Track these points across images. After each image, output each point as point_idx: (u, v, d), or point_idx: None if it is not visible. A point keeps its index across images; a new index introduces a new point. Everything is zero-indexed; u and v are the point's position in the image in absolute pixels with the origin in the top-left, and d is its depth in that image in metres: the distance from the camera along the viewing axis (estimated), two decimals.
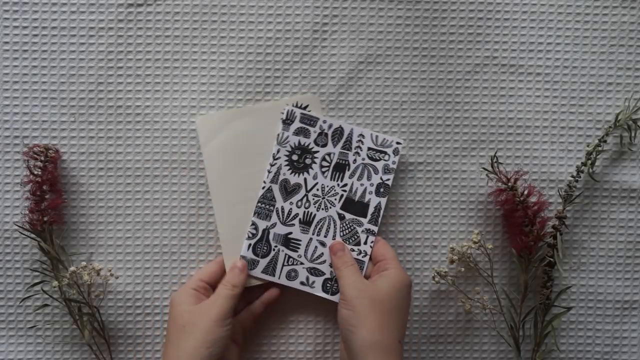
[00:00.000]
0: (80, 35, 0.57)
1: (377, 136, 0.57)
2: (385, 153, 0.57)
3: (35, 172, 0.54)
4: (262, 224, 0.56)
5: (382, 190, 0.56)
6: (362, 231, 0.56)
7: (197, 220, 0.58)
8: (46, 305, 0.57)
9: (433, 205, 0.58)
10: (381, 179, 0.56)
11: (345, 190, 0.56)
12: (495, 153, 0.58)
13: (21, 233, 0.56)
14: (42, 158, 0.54)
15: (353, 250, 0.56)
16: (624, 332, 0.59)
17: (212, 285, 0.54)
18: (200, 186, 0.58)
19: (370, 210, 0.56)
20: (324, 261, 0.56)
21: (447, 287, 0.58)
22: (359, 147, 0.56)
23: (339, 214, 0.56)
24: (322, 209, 0.56)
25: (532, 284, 0.57)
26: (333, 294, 0.56)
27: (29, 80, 0.57)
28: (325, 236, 0.56)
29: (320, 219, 0.56)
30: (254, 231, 0.56)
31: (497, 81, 0.58)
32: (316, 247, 0.56)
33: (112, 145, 0.57)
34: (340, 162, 0.56)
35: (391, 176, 0.57)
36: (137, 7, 0.57)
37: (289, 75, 0.58)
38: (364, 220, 0.56)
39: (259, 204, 0.56)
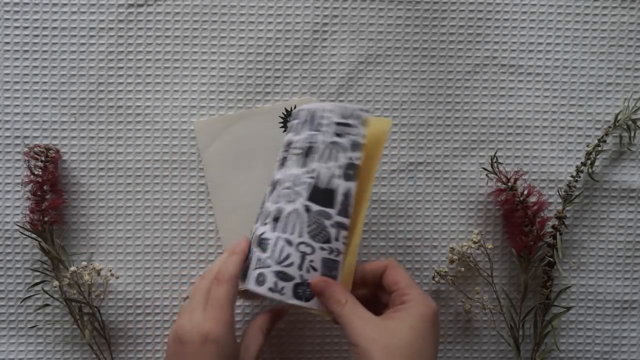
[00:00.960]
0: (81, 36, 0.57)
1: (343, 107, 0.49)
2: (351, 126, 0.48)
3: (36, 172, 0.54)
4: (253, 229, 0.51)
5: (350, 172, 0.48)
6: (331, 225, 0.47)
7: (197, 220, 0.58)
8: (47, 305, 0.57)
9: (433, 205, 0.58)
10: (350, 158, 0.48)
11: (312, 178, 0.48)
12: (495, 153, 0.58)
13: (22, 233, 0.56)
14: (43, 158, 0.54)
15: (323, 249, 0.47)
16: (623, 332, 0.59)
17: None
18: (200, 186, 0.58)
19: (338, 198, 0.47)
20: (292, 264, 0.47)
21: (447, 287, 0.58)
22: (325, 124, 0.48)
23: (305, 206, 0.47)
24: (290, 202, 0.48)
25: (532, 284, 0.57)
26: (307, 299, 0.47)
27: (29, 80, 0.57)
28: (291, 233, 0.47)
29: (288, 213, 0.47)
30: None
31: (497, 81, 0.58)
32: (283, 246, 0.47)
33: (112, 145, 0.57)
34: (311, 146, 0.48)
35: (361, 154, 0.48)
36: (137, 8, 0.57)
37: (289, 76, 0.58)
38: (332, 212, 0.47)
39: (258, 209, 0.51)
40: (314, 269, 0.47)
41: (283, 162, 0.50)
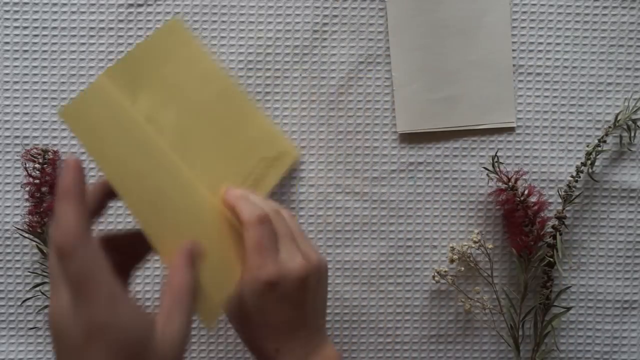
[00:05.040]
0: (81, 36, 0.57)
1: None
2: None
3: (33, 175, 0.54)
4: None
5: None
6: None
7: None
8: (47, 306, 0.57)
9: (433, 205, 0.58)
10: None
11: None
12: (496, 153, 0.58)
13: (21, 235, 0.56)
14: (40, 160, 0.54)
15: None
16: (623, 332, 0.59)
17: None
18: None
19: None
20: None
21: (447, 287, 0.58)
22: None
23: None
24: None
25: (532, 284, 0.57)
26: None
27: (29, 80, 0.57)
28: None
29: None
30: None
31: None
32: None
33: None
34: None
35: None
36: (137, 7, 0.57)
37: (289, 76, 0.58)
38: None
39: None
40: None
41: None
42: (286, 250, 0.42)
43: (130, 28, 0.57)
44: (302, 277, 0.42)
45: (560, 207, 0.57)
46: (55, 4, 0.57)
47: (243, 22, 0.58)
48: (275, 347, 0.42)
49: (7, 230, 0.57)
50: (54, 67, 0.57)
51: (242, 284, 0.42)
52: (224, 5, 0.57)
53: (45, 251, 0.54)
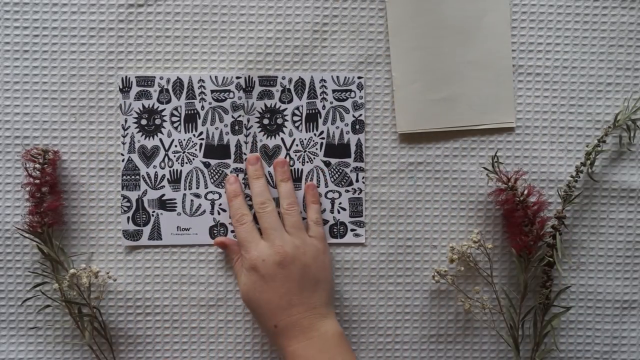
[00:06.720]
0: (81, 36, 0.57)
1: (337, 77, 0.57)
2: (350, 91, 0.57)
3: (34, 175, 0.54)
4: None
5: (357, 127, 0.58)
6: (351, 170, 0.58)
7: None
8: (47, 306, 0.57)
9: (433, 205, 0.59)
10: (353, 116, 0.57)
11: (323, 138, 0.58)
12: (496, 153, 0.58)
13: (21, 235, 0.56)
14: (41, 160, 0.54)
15: (348, 191, 0.58)
16: (623, 331, 0.59)
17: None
18: None
19: (353, 148, 0.58)
20: (324, 210, 0.58)
21: (447, 287, 0.58)
22: (324, 92, 0.57)
23: (324, 162, 0.58)
24: (307, 162, 0.58)
25: (532, 284, 0.57)
26: (341, 236, 0.58)
27: (29, 80, 0.57)
28: (318, 186, 0.58)
29: (309, 171, 0.58)
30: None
31: None
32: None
33: (112, 145, 0.57)
34: (310, 112, 0.57)
35: (362, 111, 0.58)
36: (137, 8, 0.57)
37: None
38: (350, 160, 0.58)
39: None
40: (343, 210, 0.58)
41: (275, 128, 0.57)
42: (267, 239, 0.53)
43: (131, 28, 0.57)
44: (279, 261, 0.52)
45: (559, 207, 0.57)
46: (55, 4, 0.57)
47: (243, 22, 0.58)
48: (274, 324, 0.51)
49: (7, 230, 0.57)
50: (54, 67, 0.57)
51: (241, 271, 0.54)
52: (224, 6, 0.57)
53: (45, 251, 0.54)
